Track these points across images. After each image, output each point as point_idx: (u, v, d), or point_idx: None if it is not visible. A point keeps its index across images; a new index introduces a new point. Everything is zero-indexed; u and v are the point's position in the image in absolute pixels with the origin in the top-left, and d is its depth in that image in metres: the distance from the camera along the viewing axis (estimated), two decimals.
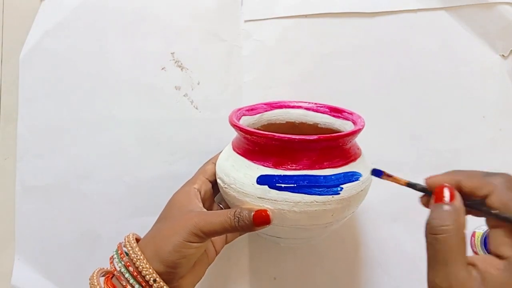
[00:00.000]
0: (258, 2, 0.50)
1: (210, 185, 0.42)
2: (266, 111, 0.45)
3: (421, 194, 0.32)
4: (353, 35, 0.50)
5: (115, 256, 0.36)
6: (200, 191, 0.40)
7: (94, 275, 0.36)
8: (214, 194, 0.43)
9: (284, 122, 0.46)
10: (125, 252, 0.36)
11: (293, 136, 0.34)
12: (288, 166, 0.35)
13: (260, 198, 0.35)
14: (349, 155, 0.37)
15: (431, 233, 0.27)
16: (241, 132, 0.37)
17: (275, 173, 0.35)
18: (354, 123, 0.40)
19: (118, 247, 0.37)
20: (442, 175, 0.30)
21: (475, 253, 0.49)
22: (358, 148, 0.39)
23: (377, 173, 0.35)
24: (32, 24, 0.47)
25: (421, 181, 0.51)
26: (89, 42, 0.48)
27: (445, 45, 0.50)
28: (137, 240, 0.37)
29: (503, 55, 0.50)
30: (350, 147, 0.38)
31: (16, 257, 0.47)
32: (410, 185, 0.33)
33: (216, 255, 0.41)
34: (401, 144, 0.50)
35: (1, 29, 0.49)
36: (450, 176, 0.30)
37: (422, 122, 0.50)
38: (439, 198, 0.29)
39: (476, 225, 0.50)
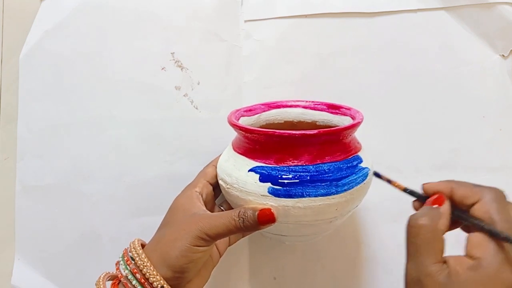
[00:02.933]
0: (258, 2, 0.50)
1: (211, 188, 0.41)
2: (264, 111, 0.45)
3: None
4: (353, 35, 0.50)
5: (121, 262, 0.36)
6: (202, 194, 0.40)
7: (101, 279, 0.35)
8: (215, 197, 0.43)
9: (283, 121, 0.46)
10: (131, 258, 0.35)
11: (294, 132, 0.34)
12: (290, 162, 0.35)
13: (263, 196, 0.35)
14: (349, 149, 0.37)
15: (410, 225, 0.30)
16: (241, 131, 0.37)
17: (277, 170, 0.35)
18: (353, 117, 0.40)
19: (124, 252, 0.36)
20: (438, 182, 0.33)
21: None
22: (358, 142, 0.40)
23: (377, 175, 0.37)
24: (32, 24, 0.47)
25: (421, 181, 0.51)
26: (89, 42, 0.48)
27: (445, 45, 0.50)
28: (142, 245, 0.37)
29: (503, 55, 0.50)
30: (350, 141, 0.38)
31: (16, 257, 0.47)
32: (407, 191, 0.35)
33: (220, 257, 0.41)
34: (400, 144, 0.50)
35: (1, 29, 0.49)
36: (444, 184, 0.32)
37: (422, 122, 0.50)
38: (429, 203, 0.32)
39: None
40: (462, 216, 0.31)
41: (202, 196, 0.40)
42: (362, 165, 0.37)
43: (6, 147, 0.48)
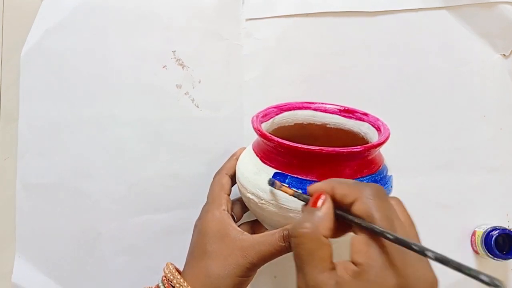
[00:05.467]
0: (259, 1, 0.50)
1: (230, 200, 0.41)
2: (276, 114, 0.44)
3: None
4: (354, 34, 0.50)
5: None
6: (229, 211, 0.39)
7: None
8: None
9: (293, 124, 0.45)
10: (172, 286, 0.36)
11: (341, 149, 0.33)
12: (333, 177, 0.34)
13: None
14: (379, 160, 0.38)
15: (291, 235, 0.28)
16: (280, 147, 0.35)
17: None
18: (375, 126, 0.40)
19: (163, 280, 0.36)
20: (321, 183, 0.30)
21: (476, 252, 0.49)
22: (380, 152, 0.40)
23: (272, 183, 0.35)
24: (33, 24, 0.47)
25: (421, 181, 0.51)
26: (89, 41, 0.48)
27: (446, 44, 0.50)
28: (177, 270, 0.37)
29: (503, 55, 0.50)
30: (379, 152, 0.38)
31: (16, 255, 0.47)
32: (295, 195, 0.32)
33: None
34: (401, 143, 0.50)
35: (1, 29, 0.49)
36: (325, 183, 0.30)
37: (422, 121, 0.50)
38: (308, 206, 0.29)
39: (477, 224, 0.50)
40: (342, 215, 0.28)
41: (229, 213, 0.39)
42: (388, 173, 0.37)
43: (6, 146, 0.48)
